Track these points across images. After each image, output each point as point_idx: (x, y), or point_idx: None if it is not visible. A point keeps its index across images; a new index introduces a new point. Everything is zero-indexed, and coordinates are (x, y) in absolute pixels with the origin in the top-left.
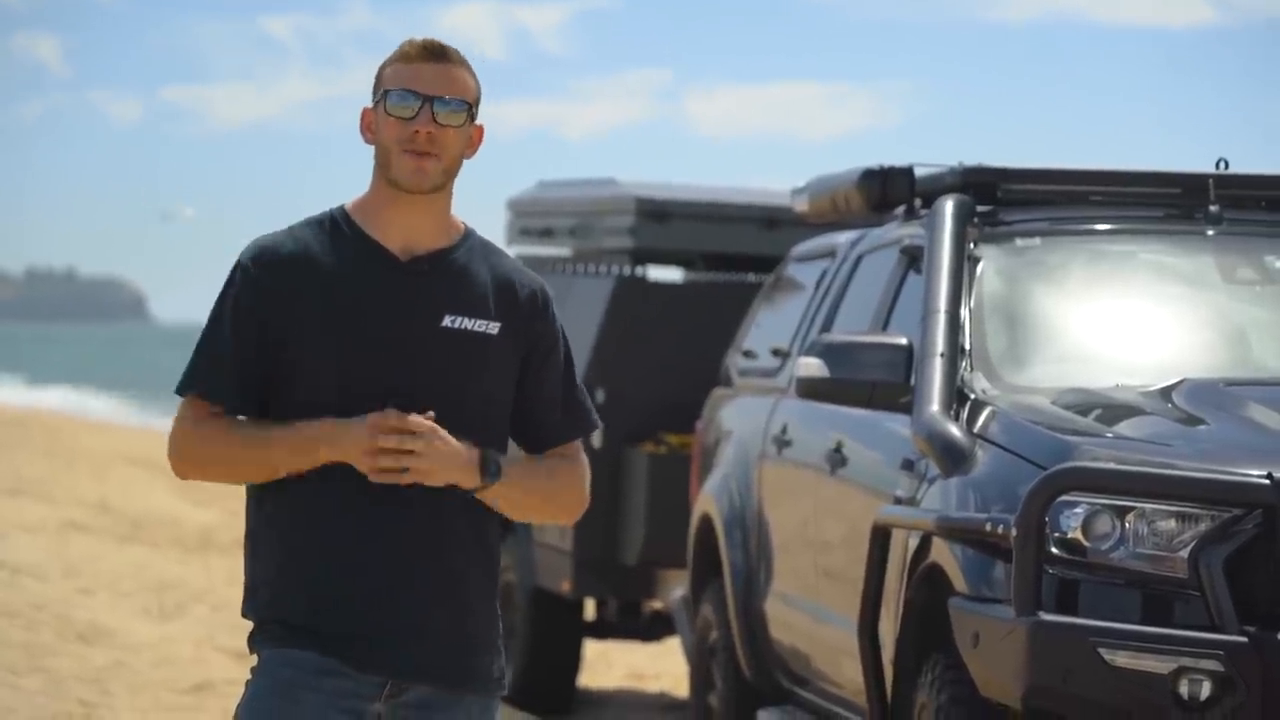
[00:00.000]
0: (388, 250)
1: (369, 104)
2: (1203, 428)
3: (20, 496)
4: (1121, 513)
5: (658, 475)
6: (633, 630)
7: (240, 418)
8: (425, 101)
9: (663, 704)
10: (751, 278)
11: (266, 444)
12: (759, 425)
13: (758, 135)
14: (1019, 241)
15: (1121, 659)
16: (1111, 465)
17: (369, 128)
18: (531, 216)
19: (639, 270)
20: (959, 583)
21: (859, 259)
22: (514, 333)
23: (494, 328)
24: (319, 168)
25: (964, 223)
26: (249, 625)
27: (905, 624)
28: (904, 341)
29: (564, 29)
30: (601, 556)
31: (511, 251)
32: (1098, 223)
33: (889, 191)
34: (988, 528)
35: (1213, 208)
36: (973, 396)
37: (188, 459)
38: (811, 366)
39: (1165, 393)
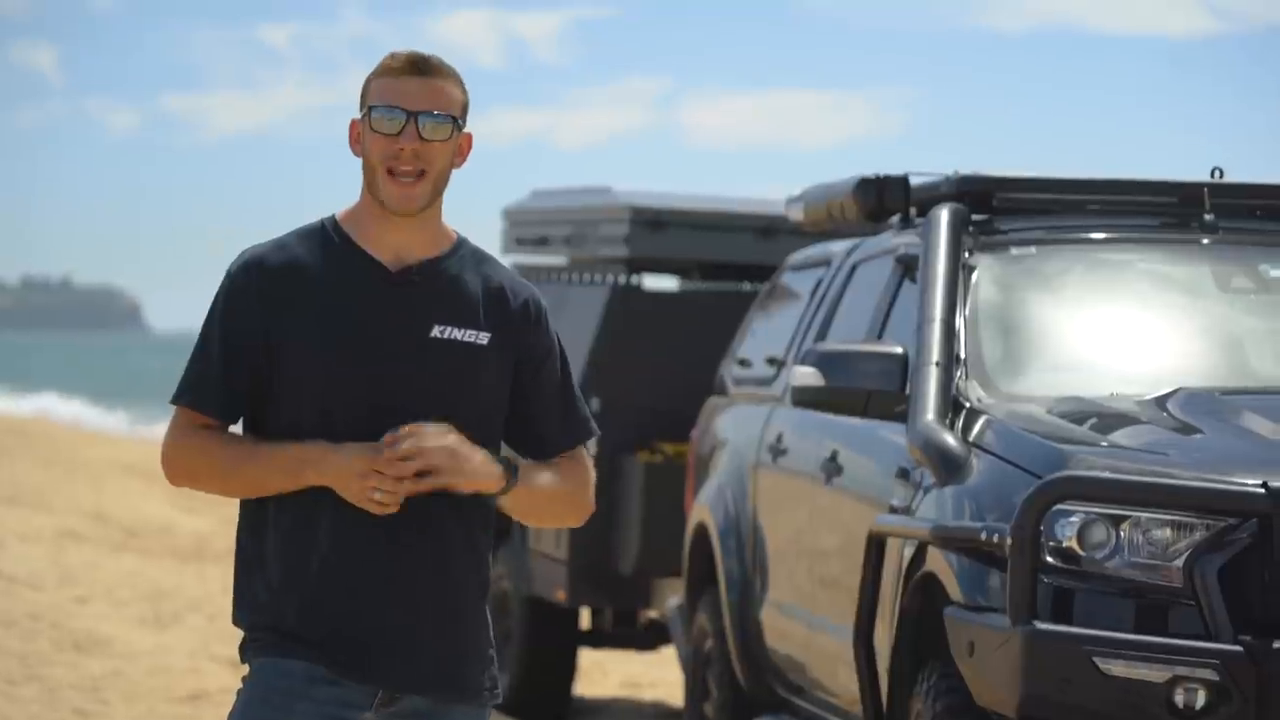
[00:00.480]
0: (377, 261)
1: (357, 115)
2: (1198, 437)
3: (16, 505)
4: (1116, 521)
5: (653, 484)
6: (628, 639)
7: (233, 430)
8: (410, 117)
9: (658, 713)
10: (747, 286)
11: (254, 461)
12: (754, 434)
13: (754, 144)
14: (1014, 250)
15: (1117, 668)
16: (1106, 474)
17: (356, 140)
18: (527, 225)
19: (634, 279)
20: (954, 591)
21: (854, 268)
22: (505, 342)
23: (484, 338)
24: (317, 175)
25: (959, 231)
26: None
27: (900, 633)
28: (899, 350)
29: (560, 38)
30: (597, 565)
31: (506, 260)
32: (1093, 231)
33: (884, 200)
34: (983, 536)
35: (1208, 216)
36: (968, 405)
37: (178, 469)
38: (807, 375)
39: (1160, 401)
